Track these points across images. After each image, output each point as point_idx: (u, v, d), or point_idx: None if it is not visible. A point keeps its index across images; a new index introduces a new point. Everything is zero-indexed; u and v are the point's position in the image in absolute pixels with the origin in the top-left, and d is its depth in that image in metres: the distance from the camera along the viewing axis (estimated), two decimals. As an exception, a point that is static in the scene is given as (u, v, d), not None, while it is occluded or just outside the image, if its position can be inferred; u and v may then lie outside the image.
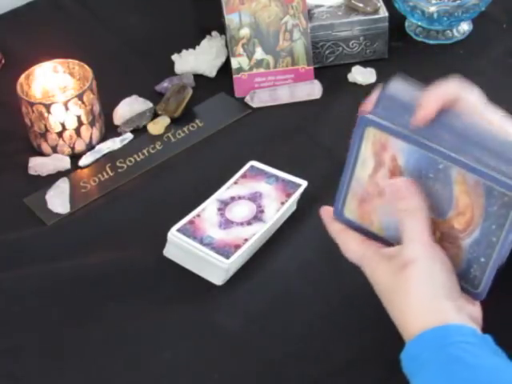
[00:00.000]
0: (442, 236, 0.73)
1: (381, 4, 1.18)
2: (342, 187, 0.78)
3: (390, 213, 0.76)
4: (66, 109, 1.04)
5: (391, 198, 0.74)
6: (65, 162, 1.07)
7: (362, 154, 0.76)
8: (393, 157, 0.75)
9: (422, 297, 0.71)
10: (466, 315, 0.70)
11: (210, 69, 1.20)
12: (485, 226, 0.71)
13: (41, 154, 1.08)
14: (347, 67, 1.18)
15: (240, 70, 1.15)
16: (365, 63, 1.19)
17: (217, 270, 0.89)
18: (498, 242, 0.71)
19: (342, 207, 0.78)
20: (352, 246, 0.77)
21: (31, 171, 1.06)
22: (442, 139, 0.73)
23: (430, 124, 0.73)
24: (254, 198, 0.95)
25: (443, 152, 0.72)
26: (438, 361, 0.66)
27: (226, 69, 1.19)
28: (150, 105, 1.14)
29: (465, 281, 0.73)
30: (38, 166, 1.06)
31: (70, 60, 1.10)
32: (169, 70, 1.20)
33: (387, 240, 0.76)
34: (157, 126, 1.11)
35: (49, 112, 1.04)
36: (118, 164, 1.07)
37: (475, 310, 0.72)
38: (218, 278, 0.89)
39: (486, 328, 0.70)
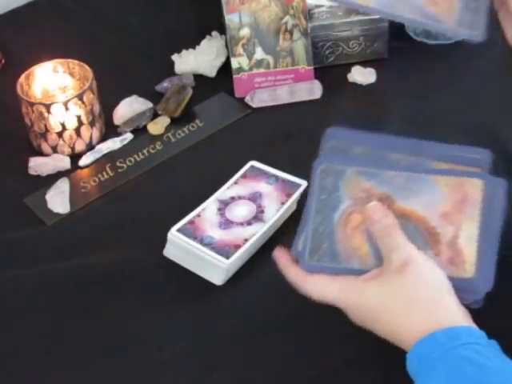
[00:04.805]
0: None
1: (381, 4, 1.18)
2: (299, 233, 0.78)
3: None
4: (66, 109, 1.04)
5: (367, 222, 0.76)
6: (65, 162, 1.07)
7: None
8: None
9: (427, 294, 0.71)
10: (464, 312, 0.71)
11: (210, 69, 1.20)
12: None
13: (41, 154, 1.08)
14: (347, 67, 1.18)
15: (240, 69, 1.15)
16: (365, 63, 1.19)
17: (217, 269, 0.89)
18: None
19: (304, 255, 0.77)
20: (325, 287, 0.75)
21: (31, 171, 1.06)
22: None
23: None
24: (254, 198, 0.95)
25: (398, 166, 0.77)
26: (448, 361, 0.66)
27: (226, 69, 1.19)
28: (150, 105, 1.14)
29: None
30: (38, 166, 1.06)
31: (70, 60, 1.10)
32: (169, 70, 1.20)
33: (359, 270, 0.75)
34: (157, 126, 1.11)
35: (49, 112, 1.04)
36: (117, 164, 1.07)
37: (466, 310, 0.72)
38: (218, 277, 0.89)
39: (486, 330, 0.70)
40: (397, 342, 0.71)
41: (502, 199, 0.75)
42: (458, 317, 0.70)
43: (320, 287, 0.76)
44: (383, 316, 0.72)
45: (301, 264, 0.77)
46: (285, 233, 0.95)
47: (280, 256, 0.79)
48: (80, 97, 1.05)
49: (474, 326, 0.70)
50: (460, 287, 0.72)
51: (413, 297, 0.71)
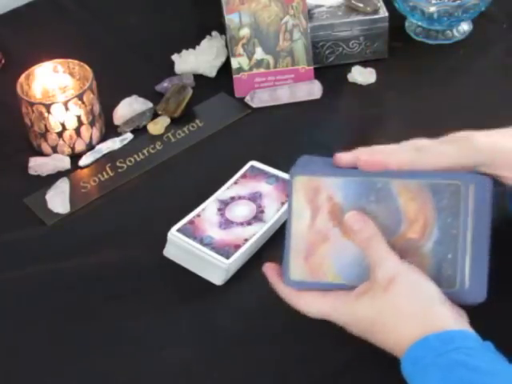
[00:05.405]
0: (402, 252, 0.73)
1: (381, 4, 1.18)
2: (285, 249, 0.77)
3: (342, 253, 0.75)
4: (66, 109, 1.04)
5: (348, 234, 0.74)
6: (65, 162, 1.07)
7: (295, 207, 0.76)
8: (329, 197, 0.75)
9: (416, 307, 0.70)
10: (459, 316, 0.71)
11: (210, 69, 1.20)
12: (441, 223, 0.72)
13: (41, 154, 1.08)
14: (347, 67, 1.18)
15: (240, 69, 1.15)
16: (365, 63, 1.19)
17: (217, 269, 0.89)
18: (459, 233, 0.72)
19: (288, 270, 0.76)
20: (316, 304, 0.75)
21: (31, 171, 1.06)
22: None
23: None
24: (254, 198, 0.95)
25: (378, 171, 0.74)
26: (441, 365, 0.66)
27: (226, 69, 1.19)
28: (150, 105, 1.14)
29: (440, 285, 0.72)
30: (38, 166, 1.06)
31: (70, 60, 1.10)
32: (169, 69, 1.20)
33: (345, 285, 0.75)
34: (157, 126, 1.11)
35: (49, 112, 1.04)
36: (118, 164, 1.07)
37: (463, 313, 0.72)
38: (218, 277, 0.89)
39: (485, 331, 0.70)
40: (392, 352, 0.71)
41: (489, 201, 0.72)
42: (449, 323, 0.69)
43: (312, 304, 0.75)
44: (376, 330, 0.72)
45: (284, 282, 0.77)
46: (285, 233, 0.95)
47: (269, 272, 0.78)
48: (80, 97, 1.05)
49: (468, 329, 0.70)
50: (453, 298, 0.72)
51: (402, 312, 0.71)
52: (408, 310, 0.70)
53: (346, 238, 0.75)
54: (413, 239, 0.73)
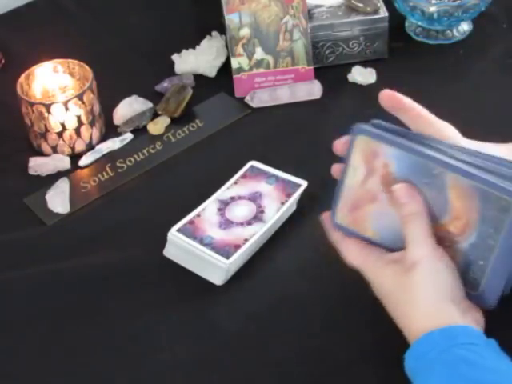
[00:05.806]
0: (439, 240, 0.74)
1: (381, 4, 1.18)
2: (335, 194, 0.80)
3: (384, 218, 0.77)
4: (66, 109, 1.04)
5: (393, 204, 0.75)
6: (65, 162, 1.07)
7: (352, 162, 0.78)
8: (385, 164, 0.76)
9: (428, 298, 0.71)
10: (471, 318, 0.71)
11: (210, 69, 1.20)
12: (482, 230, 0.71)
13: (41, 154, 1.08)
14: (347, 67, 1.18)
15: (240, 69, 1.15)
16: (365, 63, 1.19)
17: (217, 269, 0.89)
18: (496, 245, 0.71)
19: (334, 213, 0.80)
20: (353, 253, 0.79)
21: (31, 171, 1.06)
22: (435, 148, 0.74)
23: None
24: (254, 198, 0.95)
25: (437, 158, 0.73)
26: (444, 360, 0.67)
27: (226, 69, 1.19)
28: (149, 105, 1.14)
29: (463, 283, 0.73)
30: (38, 166, 1.06)
31: (70, 60, 1.10)
32: (169, 69, 1.20)
33: (382, 244, 0.78)
34: (157, 126, 1.11)
35: (49, 112, 1.04)
36: (118, 164, 1.07)
37: (478, 315, 0.73)
38: (218, 278, 0.89)
39: (487, 329, 0.70)
40: (401, 329, 0.73)
41: None
42: (455, 320, 0.70)
43: (350, 252, 0.79)
44: (391, 302, 0.75)
45: (331, 221, 0.81)
46: (285, 233, 0.95)
47: (326, 220, 0.82)
48: (80, 97, 1.05)
49: (473, 326, 0.70)
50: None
51: (415, 297, 0.72)
52: (419, 299, 0.72)
53: (391, 206, 0.76)
54: (452, 233, 0.74)
